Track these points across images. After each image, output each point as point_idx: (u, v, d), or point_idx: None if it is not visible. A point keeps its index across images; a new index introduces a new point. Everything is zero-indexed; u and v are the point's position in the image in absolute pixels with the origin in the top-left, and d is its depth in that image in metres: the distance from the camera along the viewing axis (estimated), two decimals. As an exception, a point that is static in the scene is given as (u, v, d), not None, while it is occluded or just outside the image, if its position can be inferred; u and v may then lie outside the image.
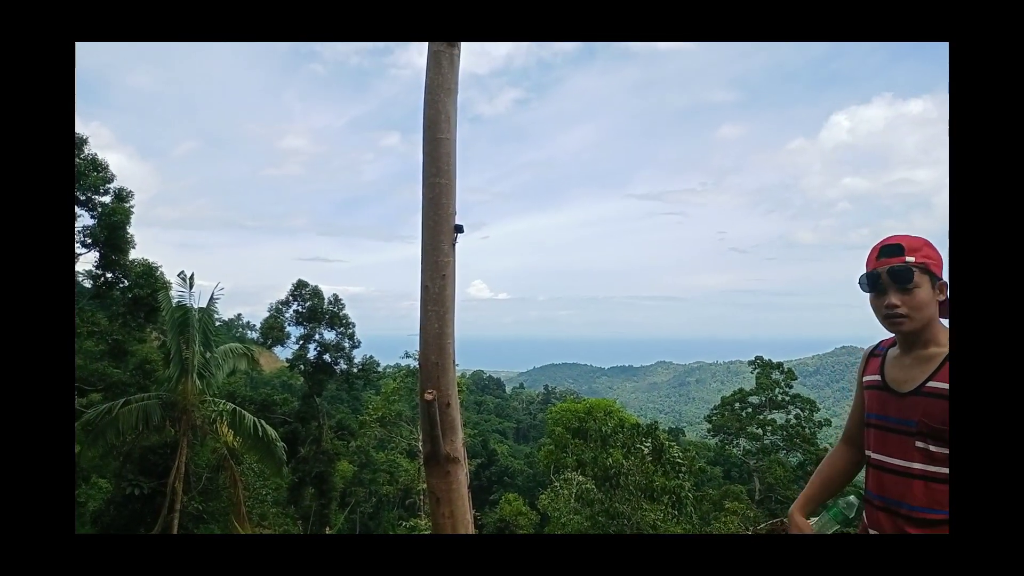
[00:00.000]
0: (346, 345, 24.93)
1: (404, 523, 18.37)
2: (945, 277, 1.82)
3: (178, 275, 13.34)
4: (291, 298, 24.81)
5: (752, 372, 32.99)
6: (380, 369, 27.23)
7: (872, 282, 1.83)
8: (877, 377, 1.94)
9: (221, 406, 13.44)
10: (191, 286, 13.16)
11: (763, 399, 31.50)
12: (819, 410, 31.70)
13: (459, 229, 2.77)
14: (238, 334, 49.93)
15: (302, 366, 24.61)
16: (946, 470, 1.70)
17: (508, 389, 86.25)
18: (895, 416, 1.84)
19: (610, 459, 16.07)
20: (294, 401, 26.08)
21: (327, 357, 24.71)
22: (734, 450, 32.62)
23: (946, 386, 1.71)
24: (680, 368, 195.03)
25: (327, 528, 22.12)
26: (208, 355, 13.31)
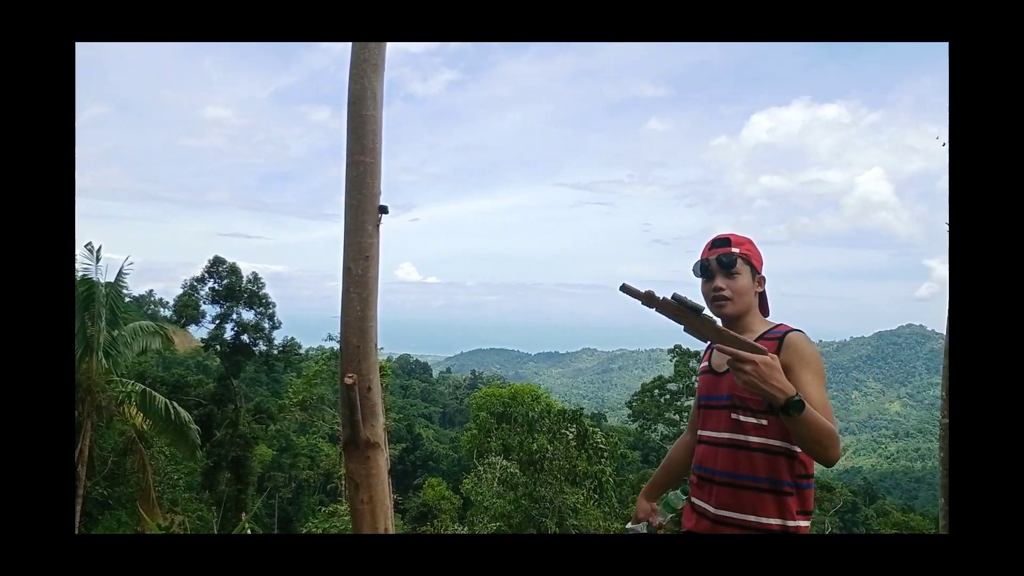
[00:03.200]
0: (266, 325, 24.15)
1: (324, 508, 18.05)
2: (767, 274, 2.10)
3: (85, 246, 12.53)
4: (207, 275, 23.78)
5: (671, 360, 34.08)
6: (302, 351, 26.56)
7: (704, 269, 2.06)
8: (706, 363, 2.15)
9: (129, 387, 12.79)
10: (97, 259, 12.40)
11: (681, 386, 32.64)
12: (733, 397, 33.10)
13: (384, 210, 2.70)
14: (150, 311, 47.52)
15: (218, 346, 23.69)
16: (754, 438, 1.89)
17: (435, 373, 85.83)
18: (715, 394, 2.04)
19: (536, 444, 16.30)
20: (209, 383, 25.13)
21: (245, 337, 23.87)
22: (653, 435, 33.73)
23: None
24: (604, 355, 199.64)
25: (243, 514, 21.48)
26: (115, 333, 12.63)
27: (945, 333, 6.79)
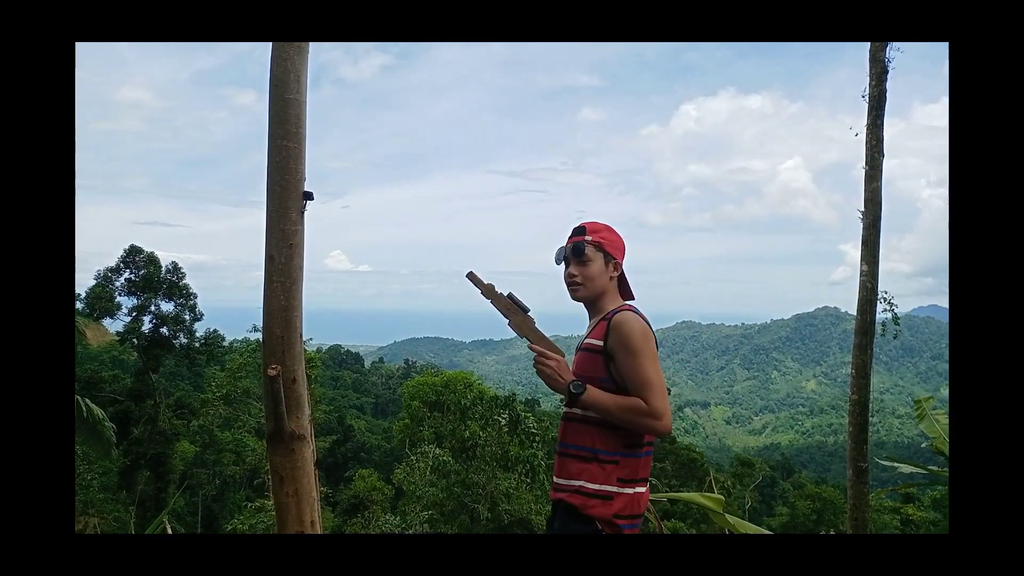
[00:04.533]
0: (186, 317, 23.12)
1: (251, 504, 17.54)
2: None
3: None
4: (123, 265, 22.54)
5: (603, 345, 34.63)
6: (226, 343, 25.58)
7: (562, 256, 2.20)
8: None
9: (35, 385, 12.00)
10: None
11: (612, 370, 33.31)
12: (660, 380, 34.12)
13: (308, 196, 2.61)
14: (58, 304, 44.55)
15: (135, 340, 22.55)
16: (580, 411, 2.04)
17: (367, 363, 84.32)
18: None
19: (468, 431, 16.33)
20: (126, 378, 23.97)
21: (164, 330, 22.81)
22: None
23: (593, 341, 2.08)
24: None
25: (164, 512, 20.60)
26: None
27: (856, 314, 7.20)
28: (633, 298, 2.22)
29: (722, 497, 2.85)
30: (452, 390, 21.11)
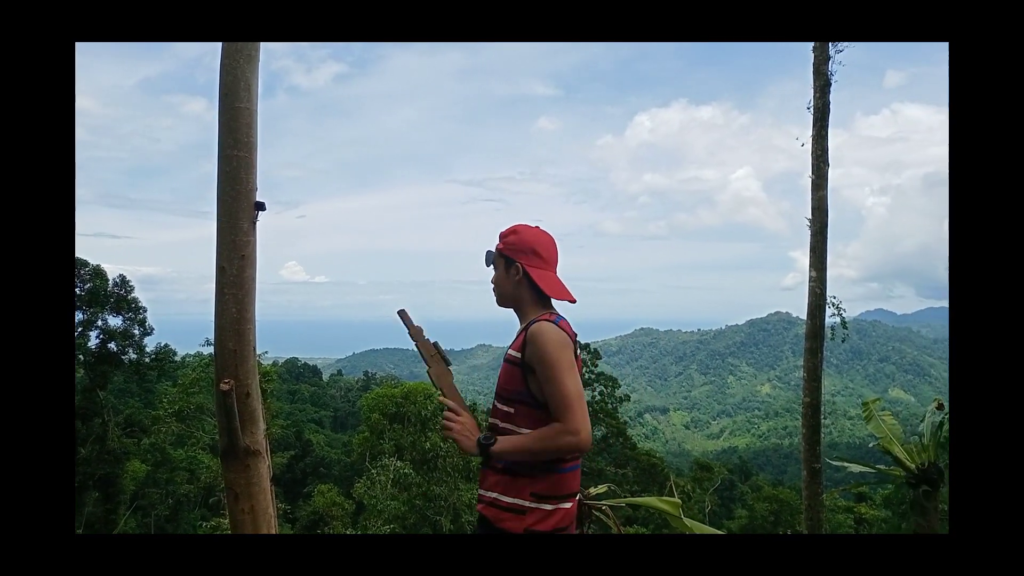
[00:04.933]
0: (136, 332, 22.39)
1: (206, 523, 17.02)
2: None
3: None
4: (67, 279, 21.77)
5: (563, 353, 34.79)
6: (177, 358, 24.85)
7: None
8: None
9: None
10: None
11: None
12: (620, 386, 34.60)
13: (260, 207, 2.57)
14: (-2, 321, 42.60)
15: (81, 356, 21.73)
16: (501, 424, 2.02)
17: (325, 376, 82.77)
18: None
19: (429, 443, 16.18)
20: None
21: (112, 346, 22.06)
22: (546, 427, 34.32)
23: (512, 352, 2.04)
24: (499, 350, 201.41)
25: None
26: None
27: (806, 319, 7.40)
28: (573, 301, 2.07)
29: (679, 500, 2.88)
30: (412, 401, 20.88)
